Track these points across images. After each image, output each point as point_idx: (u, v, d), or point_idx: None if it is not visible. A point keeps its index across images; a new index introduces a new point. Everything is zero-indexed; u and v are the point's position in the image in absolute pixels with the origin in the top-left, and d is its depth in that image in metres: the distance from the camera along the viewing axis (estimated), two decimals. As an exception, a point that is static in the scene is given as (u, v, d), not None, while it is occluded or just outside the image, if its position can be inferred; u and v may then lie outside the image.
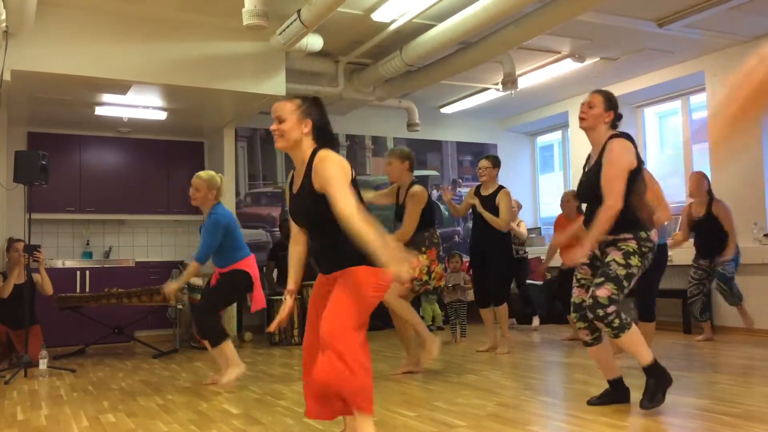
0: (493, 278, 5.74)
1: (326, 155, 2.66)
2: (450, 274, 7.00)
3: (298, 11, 5.40)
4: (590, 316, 3.33)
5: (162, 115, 7.28)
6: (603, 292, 3.30)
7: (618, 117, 3.58)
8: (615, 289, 3.30)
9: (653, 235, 3.42)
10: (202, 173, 4.73)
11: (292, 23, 5.55)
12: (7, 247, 6.12)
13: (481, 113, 9.44)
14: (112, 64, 5.78)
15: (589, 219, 3.51)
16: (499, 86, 7.35)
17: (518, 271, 7.86)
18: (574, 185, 8.18)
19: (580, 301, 3.50)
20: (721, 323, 6.75)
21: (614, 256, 3.37)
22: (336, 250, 2.68)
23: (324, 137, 2.76)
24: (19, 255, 5.86)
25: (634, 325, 3.30)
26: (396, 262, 2.40)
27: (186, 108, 7.12)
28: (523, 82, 7.43)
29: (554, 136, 10.05)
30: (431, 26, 5.95)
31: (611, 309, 3.28)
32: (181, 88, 6.21)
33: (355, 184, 2.67)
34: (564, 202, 6.47)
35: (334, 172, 2.58)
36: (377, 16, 5.76)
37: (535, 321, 7.89)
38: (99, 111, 7.02)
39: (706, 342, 6.10)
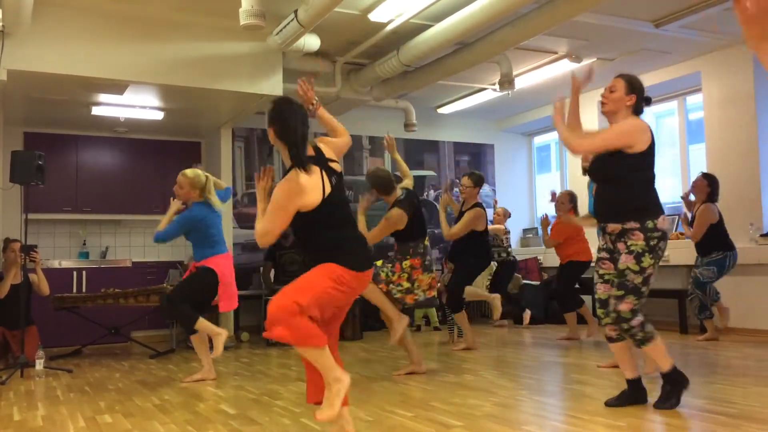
0: (451, 284, 6.02)
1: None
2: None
3: (295, 11, 5.40)
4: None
5: (159, 115, 7.27)
6: (625, 306, 3.36)
7: (642, 101, 3.51)
8: (635, 300, 3.36)
9: (660, 222, 3.37)
10: (187, 171, 4.95)
11: (289, 23, 5.55)
12: (4, 247, 6.10)
13: (478, 113, 9.45)
14: (109, 64, 5.76)
15: (600, 201, 3.54)
16: (496, 87, 7.36)
17: (503, 274, 7.81)
18: (571, 186, 8.21)
19: (606, 297, 3.48)
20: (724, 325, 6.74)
21: (627, 262, 3.35)
22: (316, 257, 2.86)
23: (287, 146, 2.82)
24: (16, 255, 5.85)
25: (657, 337, 3.39)
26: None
27: (183, 108, 7.11)
28: (520, 83, 7.43)
29: (551, 137, 10.05)
30: (428, 26, 5.95)
31: (635, 322, 3.35)
32: (178, 88, 6.20)
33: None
34: (559, 203, 6.41)
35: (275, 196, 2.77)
36: (374, 17, 5.76)
37: (526, 315, 8.02)
38: (96, 111, 7.01)
39: (707, 342, 6.05)
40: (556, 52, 6.96)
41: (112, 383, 4.88)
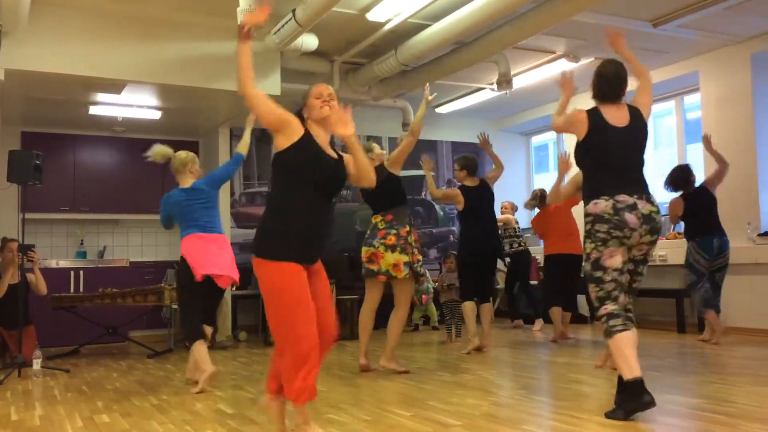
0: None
1: None
2: (445, 273, 7.02)
3: (293, 11, 5.39)
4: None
5: (156, 115, 7.26)
6: (591, 295, 3.41)
7: (599, 87, 3.63)
8: (595, 288, 3.37)
9: (591, 207, 3.36)
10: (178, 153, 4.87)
11: (287, 23, 5.54)
12: (1, 247, 6.09)
13: (476, 113, 9.45)
14: (107, 64, 5.76)
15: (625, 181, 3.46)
16: (494, 86, 7.36)
17: (517, 266, 7.81)
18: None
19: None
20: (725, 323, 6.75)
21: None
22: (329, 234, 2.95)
23: None
24: (13, 255, 5.84)
25: (621, 338, 3.21)
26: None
27: (181, 107, 7.11)
28: (518, 82, 7.43)
29: (549, 136, 10.07)
30: (426, 26, 5.95)
31: (602, 311, 3.34)
32: (176, 87, 6.19)
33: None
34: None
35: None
36: (372, 16, 5.76)
37: (537, 324, 7.63)
38: (93, 110, 7.00)
39: (705, 342, 5.94)
40: (554, 52, 6.96)
41: (110, 383, 4.87)
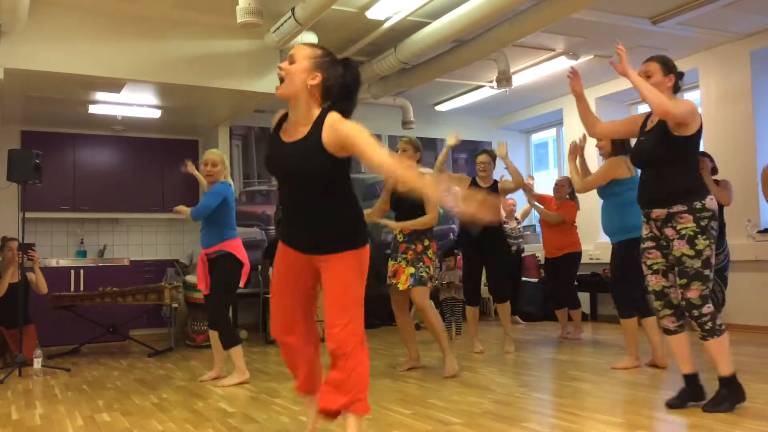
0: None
1: (342, 118, 2.48)
2: (445, 271, 7.02)
3: (293, 9, 5.39)
4: (686, 315, 3.32)
5: (156, 113, 7.26)
6: (692, 294, 3.25)
7: (679, 77, 3.46)
8: (701, 286, 3.24)
9: (709, 202, 3.26)
10: (214, 150, 4.96)
11: (286, 21, 5.54)
12: (1, 246, 6.09)
13: (476, 111, 9.44)
14: (106, 62, 5.76)
15: (645, 186, 3.43)
16: (494, 84, 7.36)
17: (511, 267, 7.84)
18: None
19: (660, 288, 3.42)
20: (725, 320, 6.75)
21: (681, 248, 3.26)
22: (329, 224, 2.53)
23: (337, 101, 2.55)
24: (14, 254, 5.84)
25: (726, 334, 3.25)
26: (463, 200, 2.16)
27: (180, 106, 7.10)
28: (518, 80, 7.43)
29: (549, 134, 10.07)
30: (426, 24, 5.94)
31: (706, 309, 3.25)
32: (176, 86, 6.19)
33: None
34: (559, 186, 6.58)
35: (357, 128, 2.43)
36: (372, 14, 5.75)
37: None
38: (93, 109, 7.00)
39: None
40: (553, 50, 6.96)
41: (111, 382, 4.87)
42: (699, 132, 3.33)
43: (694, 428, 2.99)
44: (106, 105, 6.93)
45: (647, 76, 3.41)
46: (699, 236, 3.24)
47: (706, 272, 3.24)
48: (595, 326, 7.41)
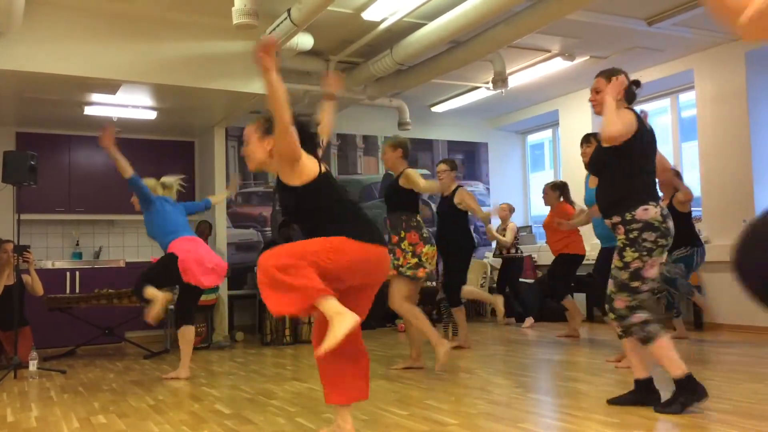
0: (449, 276, 5.94)
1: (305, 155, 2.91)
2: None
3: (288, 10, 5.38)
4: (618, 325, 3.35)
5: (152, 115, 7.25)
6: (618, 304, 3.30)
7: (630, 90, 3.44)
8: (627, 297, 3.27)
9: (640, 213, 3.22)
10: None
11: (282, 22, 5.53)
12: (-4, 248, 6.08)
13: (472, 112, 9.45)
14: (102, 64, 5.74)
15: (598, 191, 3.49)
16: (490, 85, 7.37)
17: (510, 270, 7.94)
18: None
19: (609, 293, 3.42)
20: (711, 319, 6.78)
21: (615, 259, 3.33)
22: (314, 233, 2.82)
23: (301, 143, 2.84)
24: (9, 256, 5.82)
25: (662, 338, 3.23)
26: None
27: (176, 107, 7.09)
28: (514, 81, 7.44)
29: (545, 135, 10.08)
30: (421, 25, 5.95)
31: (635, 319, 3.26)
32: (171, 87, 6.18)
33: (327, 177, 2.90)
34: (544, 195, 6.67)
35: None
36: (367, 15, 5.75)
37: (528, 321, 7.79)
38: (88, 111, 6.98)
39: (681, 340, 5.83)
40: (549, 51, 6.97)
41: (106, 384, 4.86)
42: (633, 139, 3.28)
43: (688, 428, 3.00)
44: (101, 106, 6.91)
45: (597, 92, 3.46)
46: (627, 248, 3.27)
47: (634, 284, 3.25)
48: (591, 326, 7.42)
